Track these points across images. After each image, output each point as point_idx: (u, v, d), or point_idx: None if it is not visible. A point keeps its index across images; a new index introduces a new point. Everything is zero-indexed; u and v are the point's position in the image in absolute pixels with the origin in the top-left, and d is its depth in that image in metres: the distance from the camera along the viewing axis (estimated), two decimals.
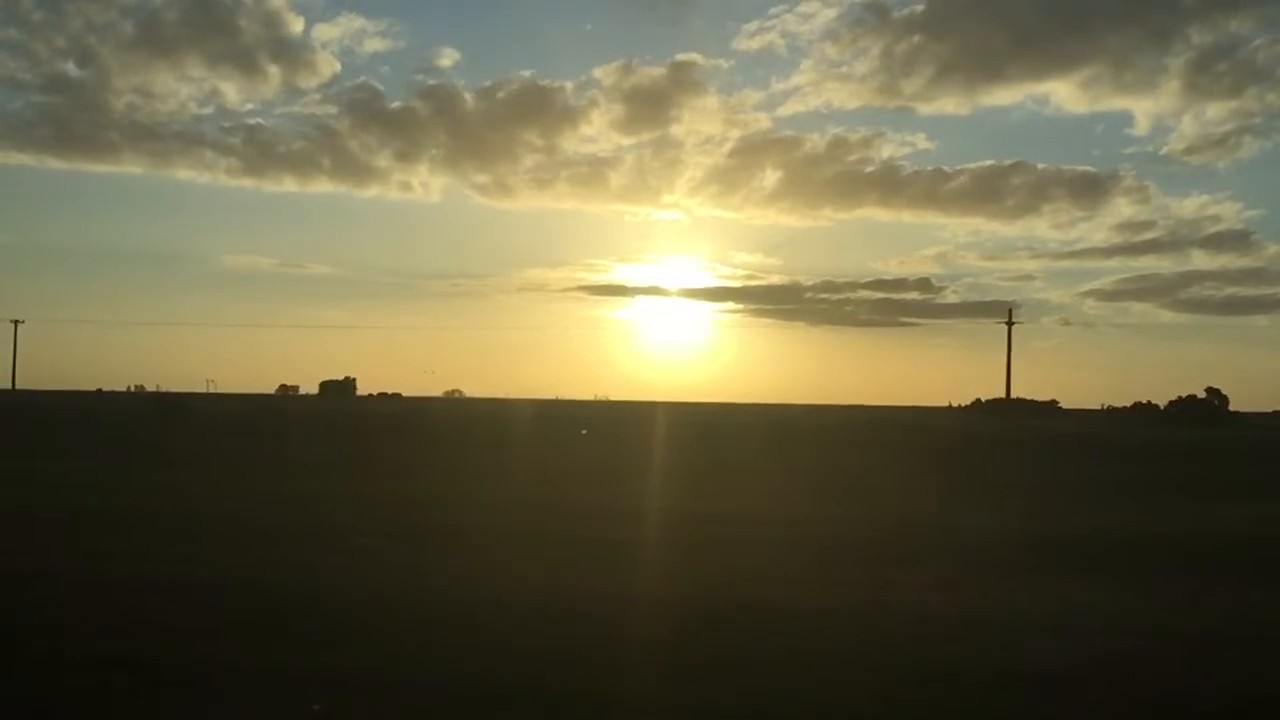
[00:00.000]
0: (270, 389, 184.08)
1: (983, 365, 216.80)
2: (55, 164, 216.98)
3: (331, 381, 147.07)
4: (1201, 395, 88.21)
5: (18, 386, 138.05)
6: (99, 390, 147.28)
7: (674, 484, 27.44)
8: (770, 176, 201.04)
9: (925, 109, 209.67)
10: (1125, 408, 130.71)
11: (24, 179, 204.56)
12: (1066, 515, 20.93)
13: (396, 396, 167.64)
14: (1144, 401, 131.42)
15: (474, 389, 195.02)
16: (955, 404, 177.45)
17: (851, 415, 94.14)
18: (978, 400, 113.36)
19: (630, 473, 31.16)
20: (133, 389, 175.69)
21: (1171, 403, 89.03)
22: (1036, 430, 68.65)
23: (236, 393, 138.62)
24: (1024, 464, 38.45)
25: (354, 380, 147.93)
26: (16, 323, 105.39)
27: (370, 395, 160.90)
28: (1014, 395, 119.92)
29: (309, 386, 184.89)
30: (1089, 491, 26.72)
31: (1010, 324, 72.62)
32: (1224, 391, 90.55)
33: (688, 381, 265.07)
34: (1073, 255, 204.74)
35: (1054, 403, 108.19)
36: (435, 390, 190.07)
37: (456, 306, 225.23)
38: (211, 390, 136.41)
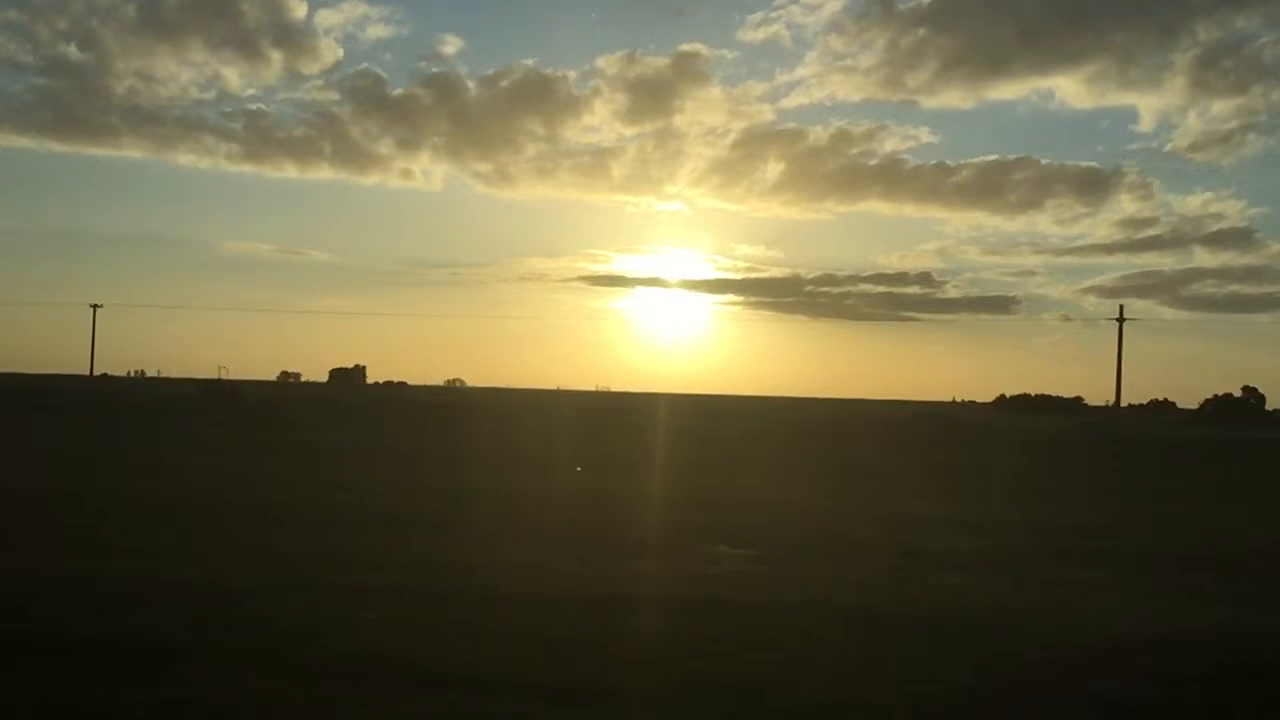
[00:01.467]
0: (271, 375, 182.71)
1: (983, 360, 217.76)
2: (56, 147, 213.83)
3: (341, 369, 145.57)
4: (1237, 394, 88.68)
5: (20, 370, 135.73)
6: (104, 375, 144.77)
7: (853, 485, 26.79)
8: (773, 169, 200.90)
9: (929, 103, 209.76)
10: (1142, 405, 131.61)
11: (24, 162, 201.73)
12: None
13: (403, 385, 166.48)
14: (1160, 399, 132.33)
15: (474, 378, 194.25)
16: (959, 399, 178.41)
17: (886, 409, 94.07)
18: (1001, 396, 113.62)
19: (784, 472, 30.56)
20: (133, 374, 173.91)
21: (1207, 401, 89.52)
22: (1094, 429, 68.60)
23: (249, 379, 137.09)
24: (1133, 466, 38.19)
25: (364, 368, 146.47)
26: (95, 307, 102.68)
27: (377, 384, 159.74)
28: (1039, 393, 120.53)
29: (309, 373, 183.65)
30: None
31: (1121, 320, 72.00)
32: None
33: (687, 373, 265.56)
34: (1075, 251, 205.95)
35: (1079, 399, 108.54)
36: (437, 379, 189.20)
37: (456, 295, 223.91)
38: (224, 376, 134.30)
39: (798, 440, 46.94)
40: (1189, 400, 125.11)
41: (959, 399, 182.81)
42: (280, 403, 67.88)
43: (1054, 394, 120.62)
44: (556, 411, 76.08)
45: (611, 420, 61.00)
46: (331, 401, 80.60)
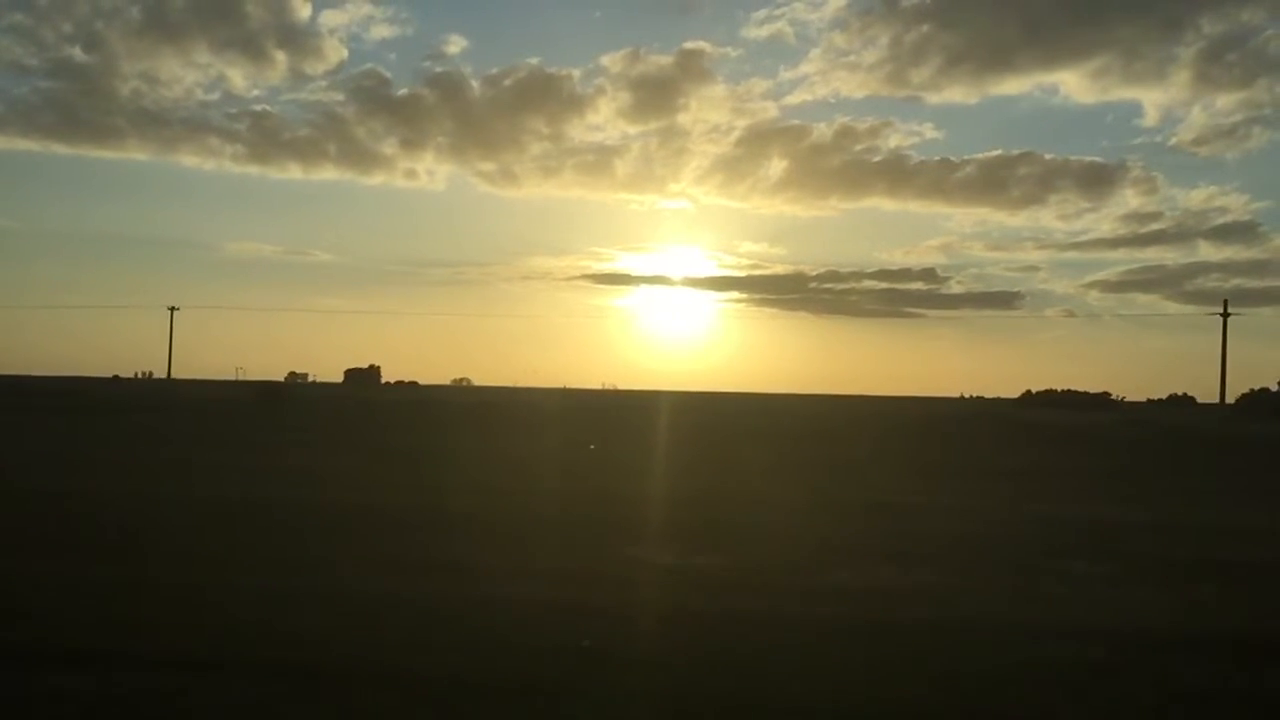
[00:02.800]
0: (278, 375, 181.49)
1: (987, 357, 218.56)
2: (60, 149, 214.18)
3: (356, 369, 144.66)
4: (1272, 389, 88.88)
5: (34, 373, 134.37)
6: (115, 376, 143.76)
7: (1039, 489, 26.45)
8: (777, 166, 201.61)
9: (933, 98, 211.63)
10: (1161, 400, 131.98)
11: (29, 164, 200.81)
12: None
13: (414, 384, 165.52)
14: (1179, 394, 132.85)
15: (480, 377, 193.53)
16: (968, 395, 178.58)
17: (922, 407, 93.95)
18: (1028, 392, 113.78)
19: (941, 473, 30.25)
20: (140, 375, 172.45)
21: (1243, 396, 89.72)
22: (1147, 426, 68.63)
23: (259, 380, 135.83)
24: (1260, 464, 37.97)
25: (379, 368, 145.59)
26: (173, 309, 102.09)
27: (388, 383, 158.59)
28: (1052, 388, 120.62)
29: (316, 373, 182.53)
30: None
31: (1225, 315, 71.95)
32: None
33: (691, 371, 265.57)
34: (1078, 246, 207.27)
35: (1106, 395, 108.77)
36: (443, 379, 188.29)
37: (461, 294, 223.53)
38: (242, 378, 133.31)
39: (883, 439, 46.70)
40: (1204, 395, 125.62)
41: (967, 395, 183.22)
42: (338, 404, 67.25)
43: (1067, 389, 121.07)
44: (593, 412, 75.66)
45: (653, 420, 60.48)
46: (370, 402, 79.95)
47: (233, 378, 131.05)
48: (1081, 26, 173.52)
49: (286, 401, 64.04)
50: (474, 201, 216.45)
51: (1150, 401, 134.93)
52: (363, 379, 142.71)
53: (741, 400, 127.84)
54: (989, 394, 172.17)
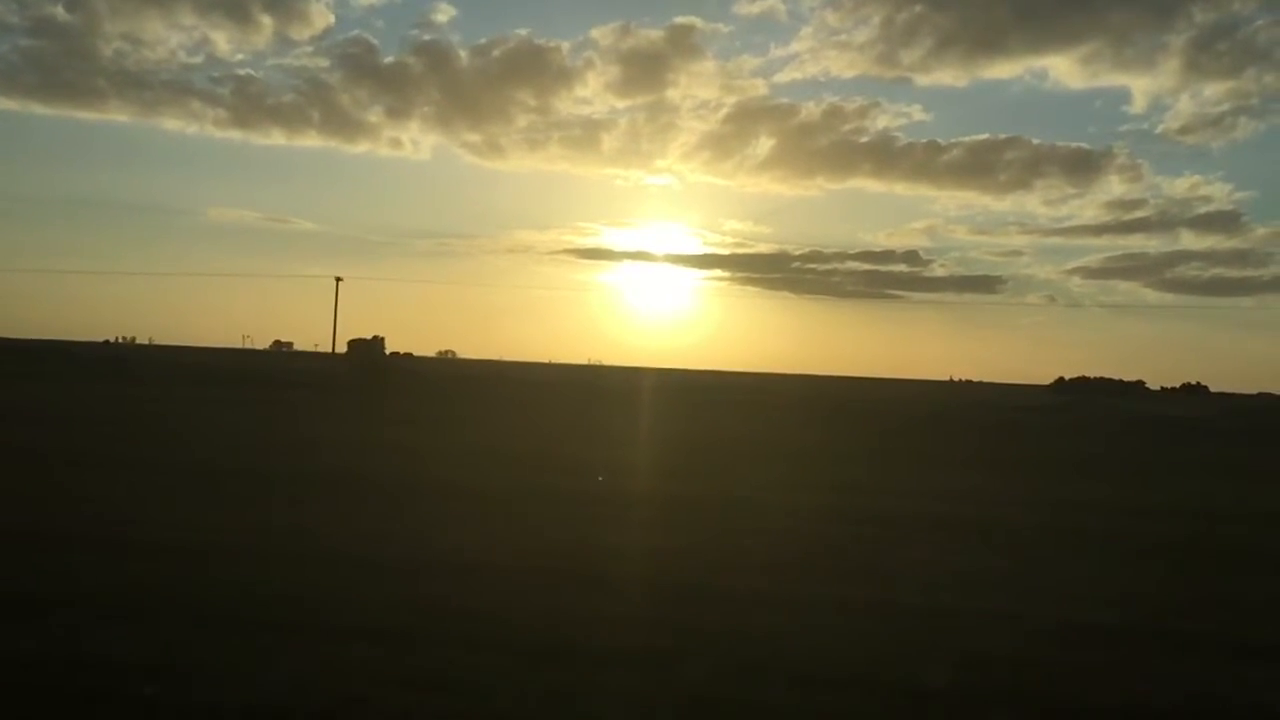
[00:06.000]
0: (264, 344, 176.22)
1: (967, 340, 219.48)
2: (40, 110, 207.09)
3: (360, 340, 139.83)
4: None
5: (13, 335, 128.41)
6: (107, 341, 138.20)
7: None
8: (764, 144, 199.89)
9: (923, 80, 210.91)
10: (1174, 389, 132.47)
11: (8, 124, 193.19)
12: None
13: (409, 356, 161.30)
14: (1192, 383, 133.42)
15: (464, 350, 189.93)
16: (956, 378, 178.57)
17: (986, 393, 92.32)
18: (1060, 379, 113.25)
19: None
20: (123, 339, 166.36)
21: None
22: (1247, 416, 67.56)
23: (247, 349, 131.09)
24: None
25: (383, 339, 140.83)
26: (338, 279, 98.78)
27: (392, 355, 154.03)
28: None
29: (301, 343, 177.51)
30: None
31: None
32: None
33: (672, 348, 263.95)
34: (1062, 232, 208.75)
35: (1140, 383, 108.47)
36: (428, 350, 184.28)
37: (443, 266, 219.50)
38: (249, 346, 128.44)
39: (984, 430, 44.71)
40: (1214, 383, 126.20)
41: (956, 378, 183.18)
42: (435, 378, 63.91)
43: (1100, 376, 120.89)
44: (659, 391, 73.11)
45: (706, 398, 58.25)
46: (455, 378, 76.66)
47: (239, 345, 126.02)
48: (1073, 11, 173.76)
49: (392, 375, 60.95)
50: (459, 172, 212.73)
51: (1164, 390, 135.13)
52: (366, 350, 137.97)
53: (750, 380, 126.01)
54: (975, 378, 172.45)
